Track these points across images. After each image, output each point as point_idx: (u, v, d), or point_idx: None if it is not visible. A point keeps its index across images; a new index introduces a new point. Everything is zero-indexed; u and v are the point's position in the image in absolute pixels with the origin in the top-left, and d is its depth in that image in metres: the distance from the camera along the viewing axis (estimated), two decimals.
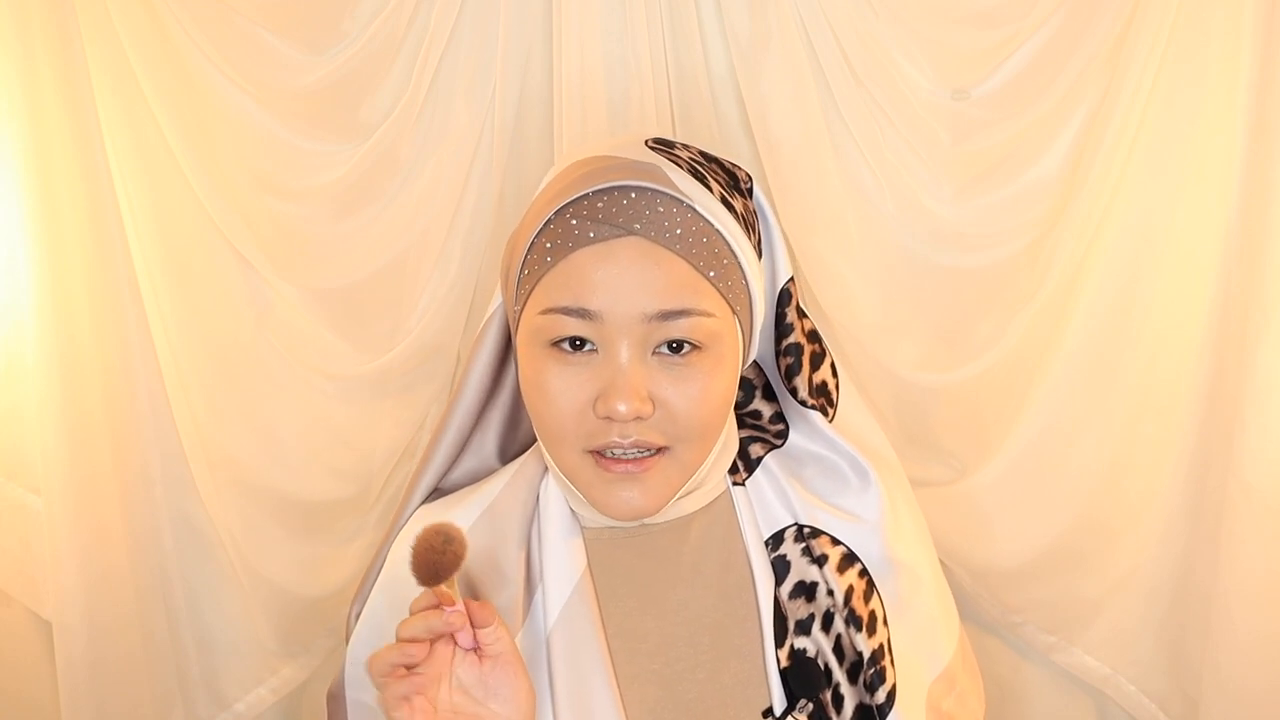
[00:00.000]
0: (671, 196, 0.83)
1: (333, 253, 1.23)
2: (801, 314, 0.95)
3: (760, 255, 0.90)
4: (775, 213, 0.93)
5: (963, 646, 0.98)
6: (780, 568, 0.91)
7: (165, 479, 1.26)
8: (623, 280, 0.81)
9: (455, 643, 0.80)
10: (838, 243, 1.20)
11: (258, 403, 1.24)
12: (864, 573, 0.92)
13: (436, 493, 0.98)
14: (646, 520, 0.90)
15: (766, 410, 0.98)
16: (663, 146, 0.88)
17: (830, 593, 0.91)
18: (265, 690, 1.33)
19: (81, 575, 1.18)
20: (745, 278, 0.86)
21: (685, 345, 0.82)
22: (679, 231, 0.82)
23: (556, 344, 0.83)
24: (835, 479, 0.95)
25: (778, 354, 0.95)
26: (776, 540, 0.93)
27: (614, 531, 0.91)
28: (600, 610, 0.89)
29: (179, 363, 1.20)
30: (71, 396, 1.15)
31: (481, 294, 1.26)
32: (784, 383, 0.95)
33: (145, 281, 1.18)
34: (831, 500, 0.94)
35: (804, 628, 0.90)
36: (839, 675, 0.89)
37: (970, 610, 1.30)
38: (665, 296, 0.81)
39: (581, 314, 0.81)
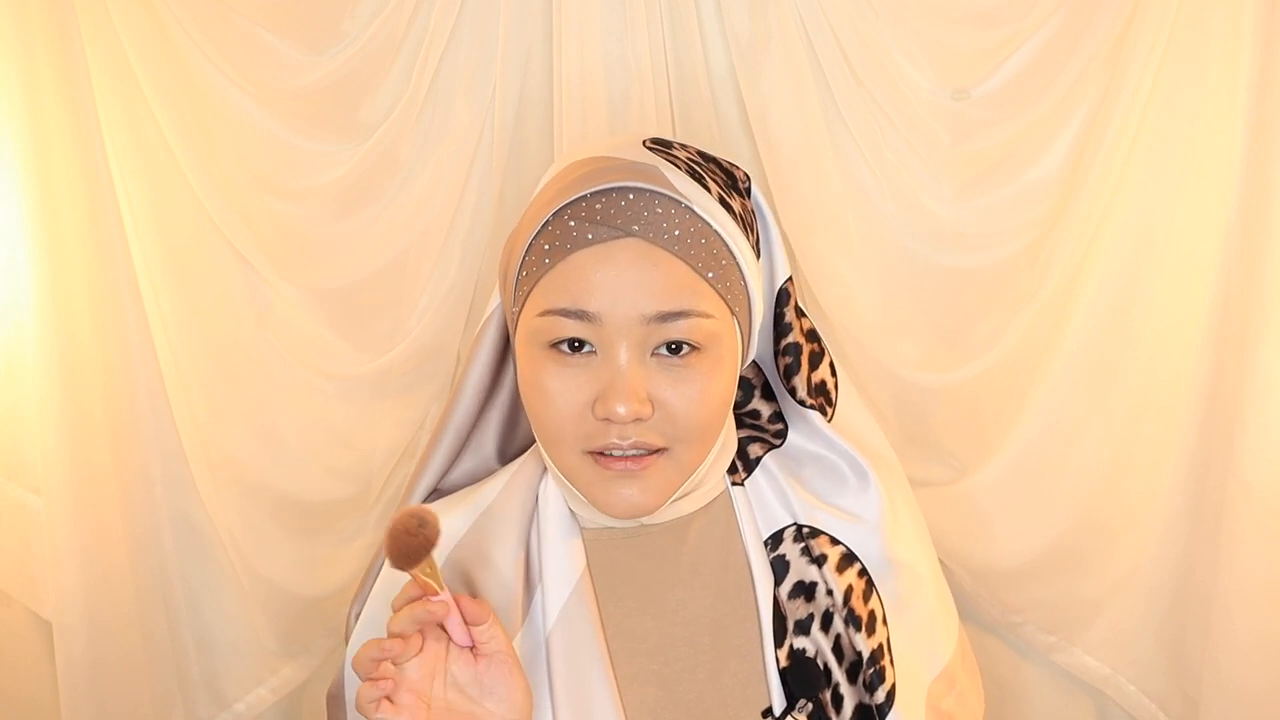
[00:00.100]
0: (670, 197, 0.82)
1: (333, 253, 1.23)
2: (800, 313, 0.95)
3: (759, 255, 0.90)
4: (774, 212, 0.93)
5: (962, 646, 0.98)
6: (779, 568, 0.91)
7: (165, 479, 1.26)
8: (621, 282, 0.80)
9: (448, 636, 0.80)
10: (838, 243, 1.20)
11: (258, 403, 1.24)
12: (863, 572, 0.92)
13: (436, 493, 0.98)
14: (645, 520, 0.90)
15: (765, 410, 0.98)
16: (661, 147, 0.88)
17: (829, 592, 0.91)
18: (265, 690, 1.33)
19: (81, 575, 1.18)
20: (744, 278, 0.86)
21: (684, 346, 0.82)
22: (677, 233, 0.82)
23: (555, 346, 0.83)
24: (834, 479, 0.95)
25: (776, 353, 0.95)
26: (775, 540, 0.92)
27: (613, 532, 0.91)
28: (599, 611, 0.89)
29: (179, 363, 1.20)
30: (71, 396, 1.16)
31: (481, 294, 1.26)
32: (783, 382, 0.95)
33: (145, 281, 1.18)
34: (830, 500, 0.94)
35: (803, 628, 0.90)
36: (838, 675, 0.89)
37: (970, 610, 1.30)
38: (664, 298, 0.81)
39: (580, 316, 0.81)
